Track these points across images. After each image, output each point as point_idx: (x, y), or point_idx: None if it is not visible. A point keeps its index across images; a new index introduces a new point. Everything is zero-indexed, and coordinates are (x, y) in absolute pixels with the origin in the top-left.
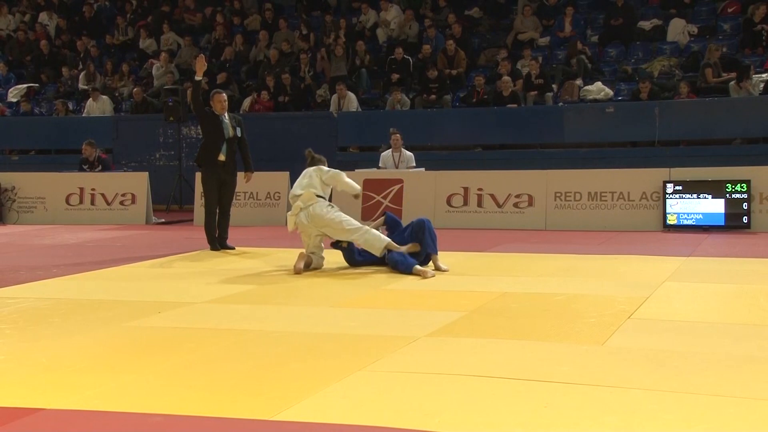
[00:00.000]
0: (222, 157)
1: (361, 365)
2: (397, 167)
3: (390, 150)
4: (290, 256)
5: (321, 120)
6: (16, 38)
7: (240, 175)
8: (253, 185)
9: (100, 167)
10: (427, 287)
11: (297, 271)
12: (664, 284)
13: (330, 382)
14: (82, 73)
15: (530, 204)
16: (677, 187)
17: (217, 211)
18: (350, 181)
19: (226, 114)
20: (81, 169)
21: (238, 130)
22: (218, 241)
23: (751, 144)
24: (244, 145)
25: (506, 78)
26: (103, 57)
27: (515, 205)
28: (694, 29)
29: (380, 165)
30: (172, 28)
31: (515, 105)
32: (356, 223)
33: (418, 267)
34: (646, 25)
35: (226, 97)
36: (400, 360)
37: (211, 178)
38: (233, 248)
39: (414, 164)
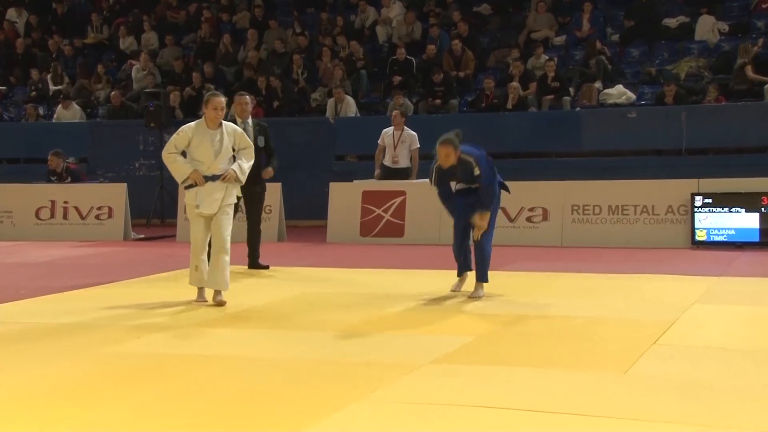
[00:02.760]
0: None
1: (358, 396)
2: (395, 147)
3: (392, 128)
4: (281, 275)
5: (316, 126)
6: None
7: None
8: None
9: (69, 179)
10: (431, 309)
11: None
12: (693, 307)
13: (324, 414)
14: (50, 75)
15: (545, 218)
16: (707, 200)
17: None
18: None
19: (249, 120)
20: (49, 181)
21: (261, 139)
22: (251, 262)
23: None
24: (271, 154)
25: (514, 85)
26: (77, 57)
27: (528, 219)
28: (725, 27)
29: (379, 141)
30: (153, 26)
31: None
32: None
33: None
34: (671, 22)
35: (248, 100)
36: (401, 390)
37: (252, 192)
38: (267, 267)
39: (418, 145)
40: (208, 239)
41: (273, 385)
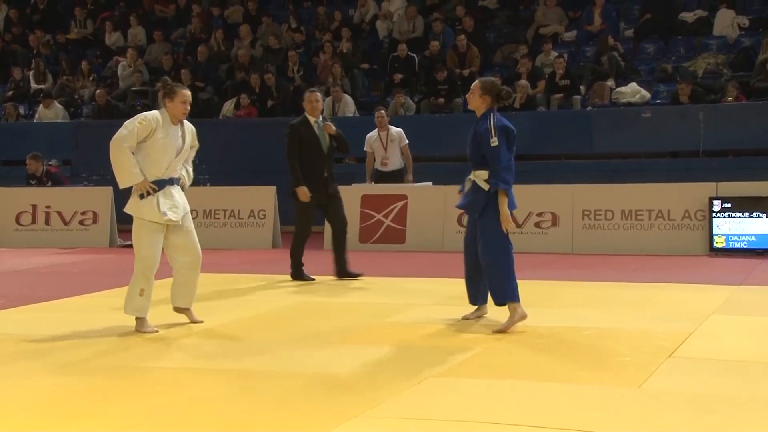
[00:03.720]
0: (325, 174)
1: (358, 410)
2: (386, 149)
3: (376, 130)
4: (275, 284)
5: None
6: None
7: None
8: (234, 201)
9: (50, 183)
10: (435, 320)
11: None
12: (711, 317)
13: (323, 430)
14: (32, 72)
15: (554, 224)
16: (726, 205)
17: (299, 237)
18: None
19: (321, 117)
20: (28, 186)
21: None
22: (338, 268)
23: None
24: (345, 147)
25: (523, 83)
26: (59, 54)
27: (537, 224)
28: (745, 21)
29: (366, 149)
30: (141, 21)
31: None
32: None
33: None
34: (688, 17)
35: (320, 97)
36: (404, 404)
37: (312, 201)
38: (359, 275)
39: (407, 141)
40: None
41: (269, 400)
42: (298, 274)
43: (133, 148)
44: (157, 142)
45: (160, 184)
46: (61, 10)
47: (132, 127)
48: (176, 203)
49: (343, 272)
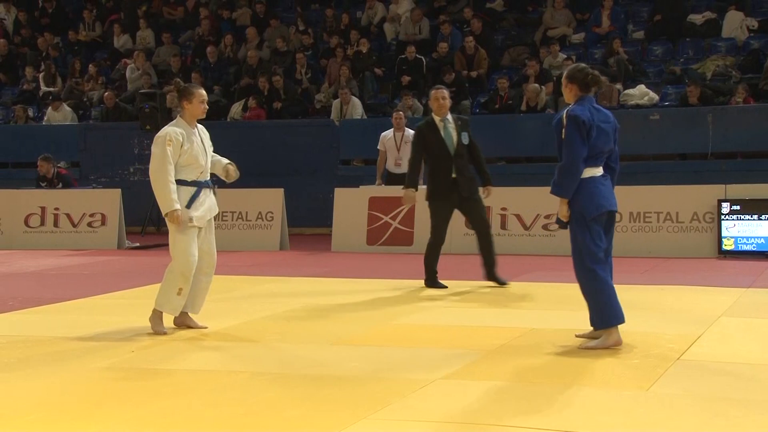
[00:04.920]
0: (454, 175)
1: (365, 413)
2: (398, 150)
3: (392, 130)
4: (285, 286)
5: (321, 129)
6: None
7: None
8: (242, 204)
9: (60, 185)
10: (442, 322)
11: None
12: (720, 320)
13: None
14: (41, 75)
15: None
16: (735, 207)
17: (440, 240)
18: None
19: (449, 116)
20: (38, 188)
21: (464, 135)
22: (487, 272)
23: None
24: (476, 151)
25: (533, 86)
26: (67, 56)
27: (545, 227)
28: (754, 23)
29: (379, 147)
30: (149, 23)
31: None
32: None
33: None
34: (697, 18)
35: (446, 94)
36: (411, 407)
37: (444, 205)
38: (505, 283)
39: None
40: None
41: (274, 402)
42: (431, 281)
43: (173, 171)
44: (186, 153)
45: (199, 187)
46: (70, 13)
47: (163, 149)
48: (207, 207)
49: (491, 276)
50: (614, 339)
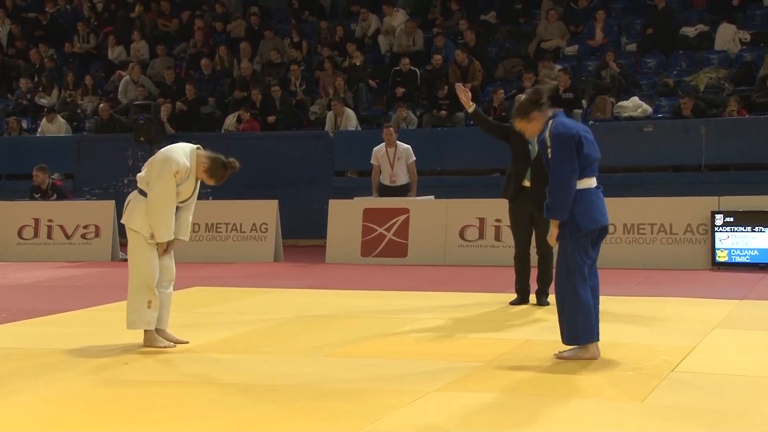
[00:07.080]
0: (526, 183)
1: (359, 425)
2: (392, 165)
3: (383, 145)
4: (278, 297)
5: (315, 140)
6: None
7: None
8: (236, 215)
9: (54, 196)
10: (437, 333)
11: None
12: (714, 332)
13: None
14: (34, 86)
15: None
16: (728, 219)
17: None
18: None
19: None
20: (32, 198)
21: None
22: (537, 290)
23: None
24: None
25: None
26: (62, 68)
27: None
28: (747, 36)
29: (372, 161)
30: (144, 35)
31: None
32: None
33: None
34: (690, 31)
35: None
36: (405, 419)
37: (518, 210)
38: (548, 303)
39: (414, 158)
40: None
41: (266, 415)
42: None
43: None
44: (182, 185)
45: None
46: (65, 25)
47: (172, 181)
48: (178, 225)
49: (538, 298)
50: (591, 353)
